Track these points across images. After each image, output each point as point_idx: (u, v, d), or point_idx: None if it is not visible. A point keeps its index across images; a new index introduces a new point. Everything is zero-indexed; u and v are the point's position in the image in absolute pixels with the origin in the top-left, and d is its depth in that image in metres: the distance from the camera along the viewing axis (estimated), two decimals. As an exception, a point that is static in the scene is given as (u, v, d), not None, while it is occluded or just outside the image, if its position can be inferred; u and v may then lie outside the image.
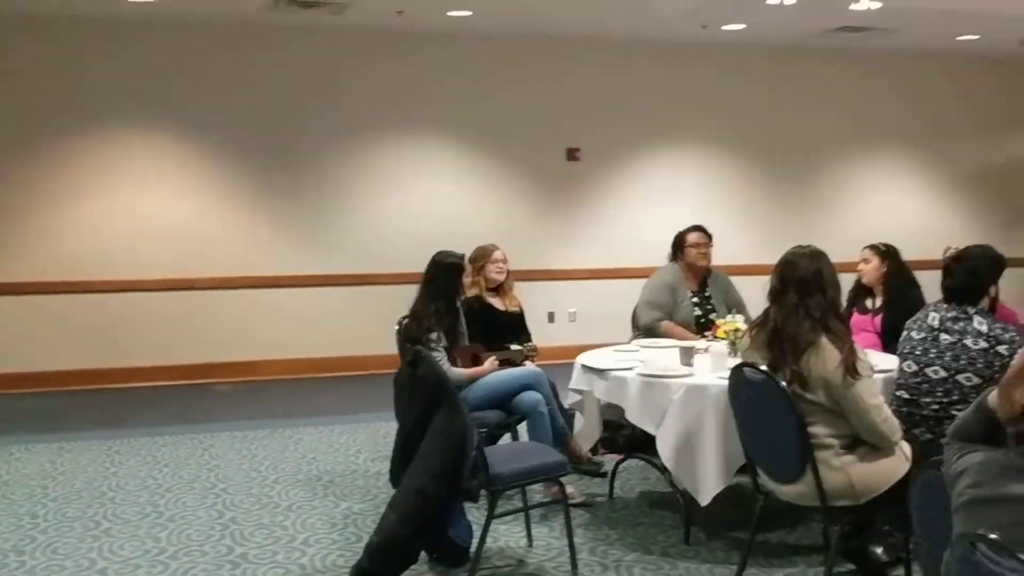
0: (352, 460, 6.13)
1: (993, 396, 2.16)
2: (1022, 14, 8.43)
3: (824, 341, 3.67)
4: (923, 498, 2.46)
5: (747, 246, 9.74)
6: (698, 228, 6.25)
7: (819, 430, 3.70)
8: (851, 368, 3.63)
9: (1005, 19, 8.66)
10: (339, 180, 9.24)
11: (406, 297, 8.94)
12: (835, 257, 4.01)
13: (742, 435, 4.00)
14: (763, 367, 3.75)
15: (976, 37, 9.59)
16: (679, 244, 6.23)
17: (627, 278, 9.77)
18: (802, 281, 3.74)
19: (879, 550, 4.23)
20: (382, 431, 6.85)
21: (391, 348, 8.92)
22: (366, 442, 6.57)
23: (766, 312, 3.87)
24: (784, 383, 3.68)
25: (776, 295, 3.81)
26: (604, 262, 9.92)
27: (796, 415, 3.64)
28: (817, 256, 3.82)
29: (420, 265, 8.92)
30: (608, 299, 9.71)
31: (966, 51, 10.32)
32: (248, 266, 9.02)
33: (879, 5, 7.52)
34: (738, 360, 4.64)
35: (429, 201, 9.44)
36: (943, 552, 2.42)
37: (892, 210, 10.64)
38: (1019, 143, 11.21)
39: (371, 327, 9.17)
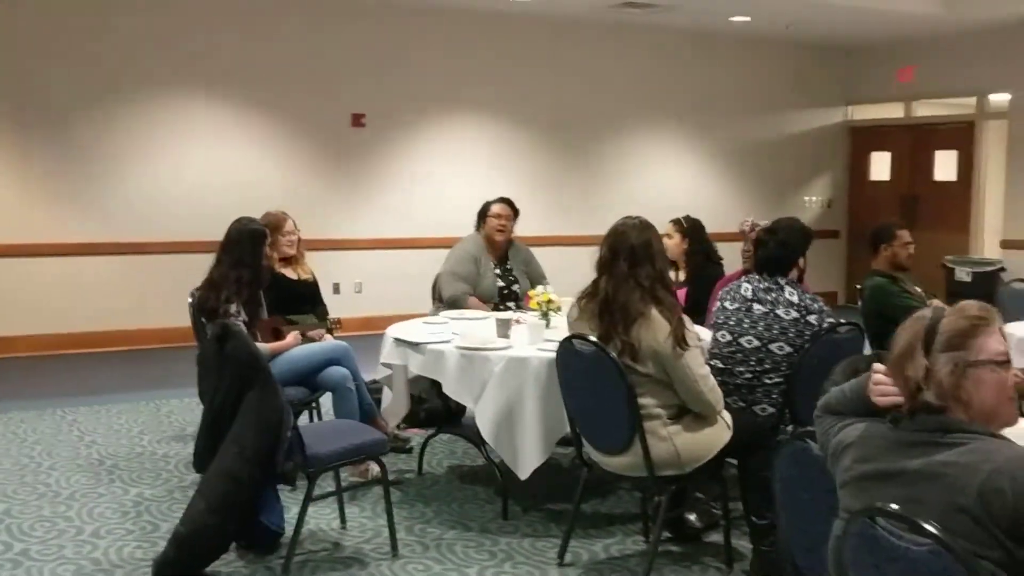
0: (136, 442, 5.69)
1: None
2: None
3: (654, 312, 3.66)
4: (786, 471, 2.46)
5: (535, 217, 9.76)
6: (504, 200, 6.13)
7: (647, 401, 3.69)
8: (680, 339, 3.64)
9: (774, 2, 9.09)
10: (104, 140, 8.53)
11: (181, 267, 8.42)
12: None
13: (570, 407, 3.95)
14: (593, 338, 3.71)
15: (748, 19, 10.00)
16: (483, 213, 6.13)
17: (413, 248, 9.67)
18: (632, 251, 3.71)
19: (692, 517, 4.31)
20: (163, 410, 6.42)
21: (167, 321, 8.52)
22: (148, 422, 6.12)
23: (595, 283, 3.82)
24: (615, 354, 3.65)
25: (607, 265, 3.76)
26: (389, 231, 9.71)
27: (627, 386, 3.62)
28: (647, 227, 3.81)
29: (195, 234, 8.54)
30: (394, 269, 9.56)
31: (739, 32, 10.76)
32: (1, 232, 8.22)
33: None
34: (553, 331, 4.65)
35: (205, 166, 8.90)
36: (805, 525, 2.44)
37: (672, 183, 10.99)
38: (782, 121, 11.83)
39: (143, 299, 8.64)
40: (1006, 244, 10.43)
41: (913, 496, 1.90)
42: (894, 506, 1.83)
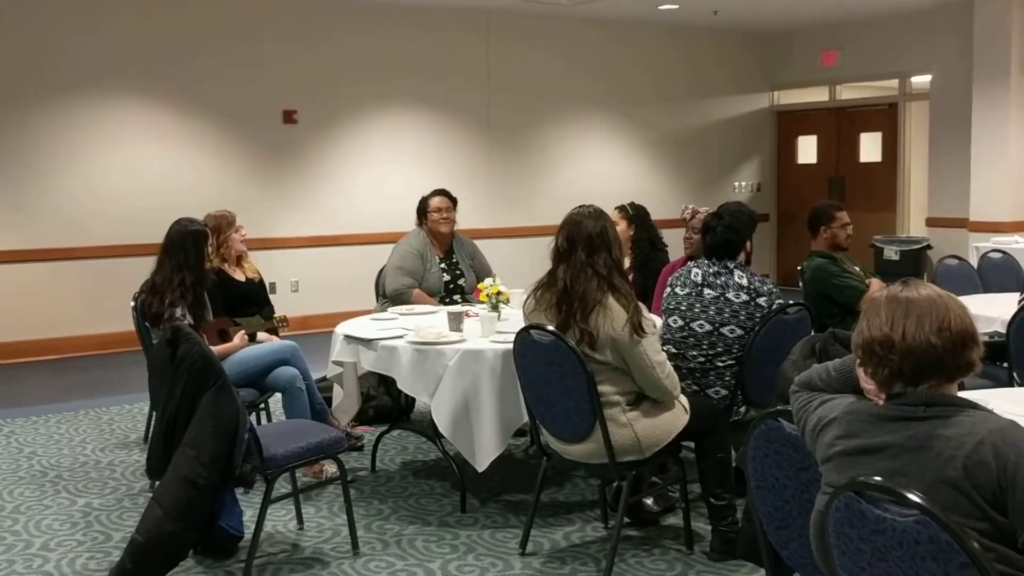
0: (78, 451, 5.55)
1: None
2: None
3: (611, 300, 3.67)
4: (758, 449, 2.49)
5: (471, 209, 9.73)
6: (441, 192, 6.11)
7: (606, 388, 3.70)
8: (637, 326, 3.65)
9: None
10: (24, 143, 8.28)
11: (112, 273, 8.25)
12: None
13: (529, 397, 3.95)
14: (550, 328, 3.71)
15: (676, 7, 10.08)
16: (422, 209, 6.08)
17: (349, 244, 9.59)
18: (590, 239, 3.72)
19: (649, 501, 4.35)
20: (104, 418, 6.28)
21: (100, 328, 8.34)
22: (89, 431, 5.98)
23: (551, 273, 3.82)
24: (573, 343, 3.65)
25: (564, 254, 3.76)
26: (325, 229, 9.61)
27: (587, 374, 3.63)
28: (601, 215, 3.82)
29: (125, 237, 8.37)
30: (331, 267, 9.48)
31: (666, 20, 10.85)
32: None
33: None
34: (504, 323, 4.65)
35: (133, 168, 8.70)
36: (777, 503, 2.47)
37: (604, 172, 11.06)
38: (710, 108, 11.97)
39: (74, 306, 8.45)
40: (931, 222, 10.68)
41: (898, 469, 1.94)
42: (878, 478, 1.87)
